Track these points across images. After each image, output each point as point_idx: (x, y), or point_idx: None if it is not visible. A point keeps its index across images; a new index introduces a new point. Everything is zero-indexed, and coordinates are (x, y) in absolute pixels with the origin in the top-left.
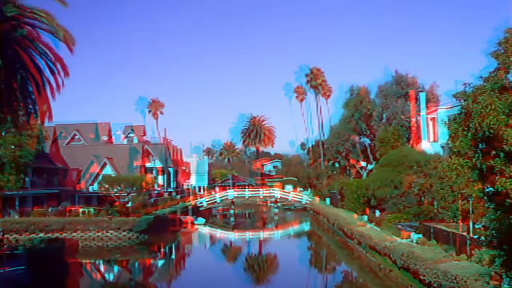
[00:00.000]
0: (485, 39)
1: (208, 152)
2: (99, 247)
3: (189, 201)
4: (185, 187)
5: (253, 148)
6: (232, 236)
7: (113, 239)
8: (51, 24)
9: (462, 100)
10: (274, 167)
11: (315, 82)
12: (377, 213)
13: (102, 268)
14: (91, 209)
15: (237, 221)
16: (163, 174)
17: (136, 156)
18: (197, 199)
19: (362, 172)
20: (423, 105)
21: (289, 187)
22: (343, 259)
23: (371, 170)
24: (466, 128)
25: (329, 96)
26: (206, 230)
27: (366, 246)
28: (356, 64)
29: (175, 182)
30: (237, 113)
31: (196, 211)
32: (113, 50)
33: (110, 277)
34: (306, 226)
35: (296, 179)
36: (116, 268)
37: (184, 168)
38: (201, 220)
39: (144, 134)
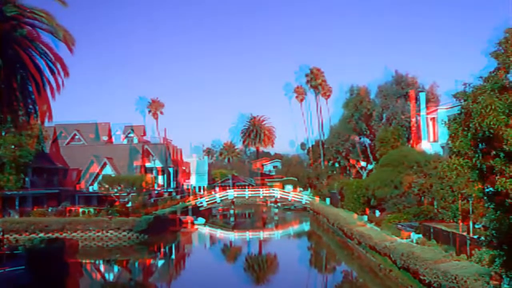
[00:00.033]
0: (485, 39)
1: (208, 152)
2: (99, 247)
3: (189, 201)
4: (185, 187)
5: (253, 148)
6: (232, 236)
7: (113, 239)
8: (51, 24)
9: (462, 100)
10: (274, 167)
11: (315, 82)
12: (377, 213)
13: (102, 268)
14: (91, 209)
15: (237, 221)
16: (163, 174)
17: (136, 156)
18: (197, 199)
19: (362, 172)
20: (423, 105)
21: (289, 187)
22: (343, 259)
23: (371, 170)
24: (466, 128)
25: (329, 96)
26: (206, 230)
27: (366, 246)
28: (356, 64)
29: (175, 182)
30: (237, 113)
31: (196, 211)
32: (113, 50)
33: (110, 277)
34: (306, 226)
35: (296, 179)
36: (116, 268)
37: (184, 168)
38: (201, 220)
39: (144, 134)
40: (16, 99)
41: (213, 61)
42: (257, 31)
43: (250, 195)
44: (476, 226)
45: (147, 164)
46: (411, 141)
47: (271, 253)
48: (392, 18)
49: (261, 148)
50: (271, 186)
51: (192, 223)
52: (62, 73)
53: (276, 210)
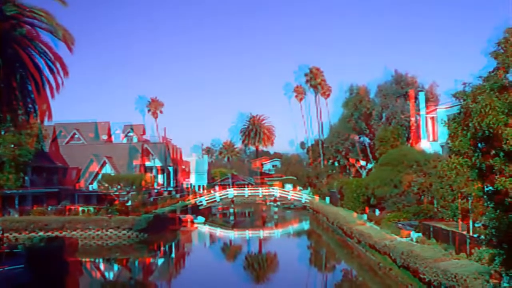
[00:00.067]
0: (485, 39)
1: (208, 151)
2: (99, 246)
3: (188, 200)
4: (184, 186)
5: (252, 147)
6: (232, 235)
7: (112, 237)
8: (50, 23)
9: (461, 100)
10: (273, 166)
11: (315, 81)
12: (377, 212)
13: (101, 266)
14: (91, 208)
15: (237, 220)
16: (162, 173)
17: (135, 155)
18: (196, 198)
19: (362, 171)
20: (422, 104)
21: (288, 186)
22: (343, 258)
23: (370, 169)
24: (465, 128)
25: (328, 95)
26: (206, 229)
27: (366, 245)
28: (356, 64)
29: (174, 181)
30: (236, 113)
31: (196, 210)
32: (112, 50)
33: (110, 275)
34: (305, 225)
35: (295, 178)
36: (116, 267)
37: (183, 167)
38: (200, 219)
39: (144, 133)
40: (15, 98)
41: (213, 60)
42: (257, 31)
43: (249, 194)
44: (476, 225)
45: (147, 163)
46: (410, 141)
47: (271, 251)
48: (392, 18)
49: (261, 147)
50: (270, 185)
51: (192, 222)
52: (61, 73)
53: (276, 209)
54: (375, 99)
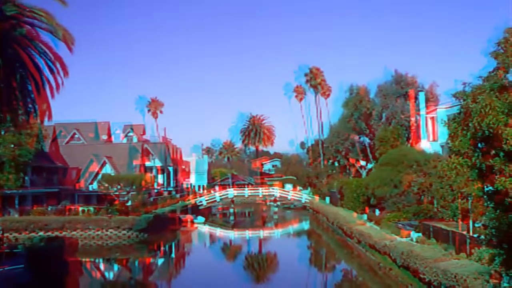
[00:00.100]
0: (484, 39)
1: (208, 151)
2: (99, 246)
3: (188, 200)
4: (184, 186)
5: (252, 147)
6: (232, 235)
7: (112, 237)
8: (50, 23)
9: (461, 100)
10: (273, 166)
11: (315, 81)
12: (377, 212)
13: (102, 266)
14: (91, 208)
15: (237, 220)
16: (162, 173)
17: (135, 155)
18: (196, 198)
19: (362, 171)
20: (422, 104)
21: (288, 186)
22: (343, 258)
23: (370, 169)
24: (465, 128)
25: (328, 95)
26: (206, 229)
27: (366, 245)
28: (356, 64)
29: (174, 181)
30: (236, 113)
31: (196, 210)
32: (112, 50)
33: (110, 275)
34: (305, 225)
35: (295, 178)
36: (116, 267)
37: (183, 167)
38: (200, 219)
39: (144, 133)
40: (15, 98)
41: (213, 60)
42: (257, 31)
43: (249, 194)
44: (476, 225)
45: (147, 163)
46: (410, 141)
47: (271, 251)
48: (392, 18)
49: (261, 147)
50: (270, 185)
51: (192, 222)
52: (61, 73)
53: (276, 209)
54: (375, 99)
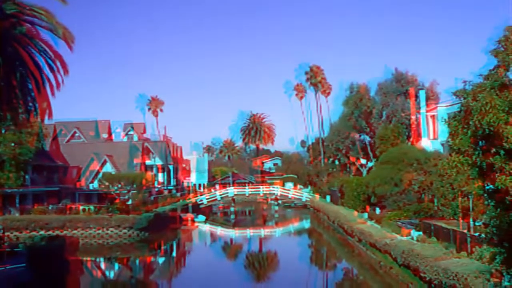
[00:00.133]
0: (485, 37)
1: (208, 149)
2: (100, 245)
3: (189, 199)
4: (185, 184)
5: (253, 146)
6: (233, 233)
7: (113, 236)
8: (50, 21)
9: (462, 98)
10: (274, 164)
11: (315, 79)
12: (378, 210)
13: (102, 265)
14: (92, 207)
15: (238, 218)
16: (163, 172)
17: (136, 154)
18: (197, 196)
19: (362, 169)
20: (423, 102)
21: (289, 185)
22: (344, 257)
23: (371, 168)
24: (466, 126)
25: (329, 93)
26: (207, 227)
27: (367, 244)
28: (356, 63)
29: (175, 180)
30: (237, 111)
31: (197, 209)
32: (113, 49)
33: (111, 274)
34: (306, 224)
35: (296, 176)
36: (116, 266)
37: (184, 165)
38: (201, 217)
39: (144, 131)
40: (15, 96)
41: (213, 60)
42: (257, 30)
43: (250, 192)
44: (477, 224)
45: (147, 162)
46: (411, 139)
47: (271, 250)
48: (392, 18)
49: (261, 146)
50: (271, 184)
51: (193, 221)
52: (61, 71)
53: (277, 208)
54: (375, 97)
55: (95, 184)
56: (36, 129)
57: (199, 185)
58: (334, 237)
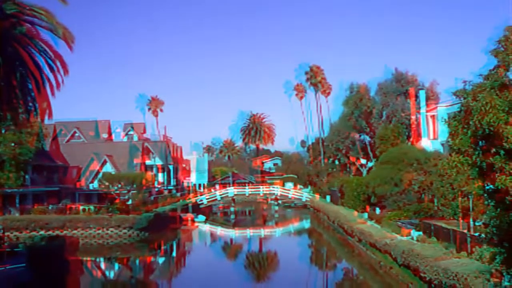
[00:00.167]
0: (485, 37)
1: (208, 149)
2: (100, 245)
3: (189, 199)
4: (185, 184)
5: (253, 146)
6: (233, 233)
7: (113, 236)
8: (50, 21)
9: (462, 98)
10: (274, 164)
11: (315, 79)
12: (378, 210)
13: (102, 265)
14: (92, 207)
15: (238, 218)
16: (163, 172)
17: (136, 154)
18: (197, 196)
19: (362, 169)
20: (423, 102)
21: (289, 185)
22: (344, 257)
23: (371, 168)
24: (466, 126)
25: (329, 93)
26: (207, 227)
27: (367, 244)
28: (356, 63)
29: (175, 180)
30: (237, 111)
31: (197, 209)
32: (113, 49)
33: (111, 274)
34: (306, 224)
35: (296, 176)
36: (116, 266)
37: (184, 165)
38: (201, 217)
39: (144, 131)
40: (15, 96)
41: (213, 60)
42: (257, 30)
43: (250, 192)
44: (477, 224)
45: (147, 162)
46: (411, 139)
47: (271, 250)
48: (392, 18)
49: (261, 146)
50: (271, 184)
51: (193, 221)
52: (61, 71)
53: (277, 208)
54: (375, 97)
55: (95, 184)
56: (36, 129)
57: (199, 185)
58: (334, 237)
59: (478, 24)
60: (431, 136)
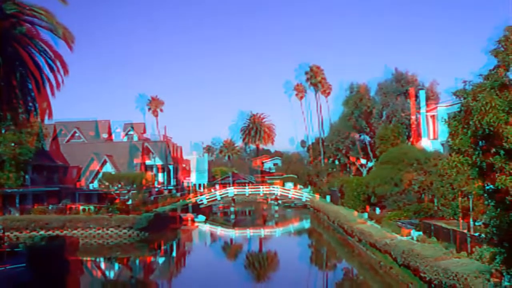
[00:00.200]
0: (485, 38)
1: (208, 149)
2: (100, 245)
3: (189, 199)
4: (185, 184)
5: (253, 146)
6: (233, 233)
7: (113, 236)
8: (50, 21)
9: (462, 98)
10: (274, 164)
11: (315, 79)
12: (378, 210)
13: (102, 265)
14: (92, 207)
15: (238, 218)
16: (163, 172)
17: (136, 154)
18: (197, 196)
19: (362, 169)
20: (423, 102)
21: (289, 185)
22: (344, 257)
23: (371, 168)
24: (466, 126)
25: (329, 93)
26: (207, 227)
27: (367, 244)
28: (356, 63)
29: (175, 180)
30: (237, 111)
31: (197, 209)
32: (113, 49)
33: (111, 274)
34: (306, 224)
35: (296, 176)
36: (116, 266)
37: (184, 165)
38: (201, 217)
39: (144, 131)
40: (15, 96)
41: (213, 60)
42: (257, 30)
43: (250, 192)
44: (477, 224)
45: (147, 162)
46: (411, 139)
47: (271, 250)
48: (392, 18)
49: (261, 146)
50: (271, 184)
51: (193, 221)
52: (61, 71)
53: (277, 208)
54: (375, 97)
55: (95, 184)
56: (36, 129)
57: (199, 185)
58: (334, 237)
59: (478, 24)
60: (431, 136)
